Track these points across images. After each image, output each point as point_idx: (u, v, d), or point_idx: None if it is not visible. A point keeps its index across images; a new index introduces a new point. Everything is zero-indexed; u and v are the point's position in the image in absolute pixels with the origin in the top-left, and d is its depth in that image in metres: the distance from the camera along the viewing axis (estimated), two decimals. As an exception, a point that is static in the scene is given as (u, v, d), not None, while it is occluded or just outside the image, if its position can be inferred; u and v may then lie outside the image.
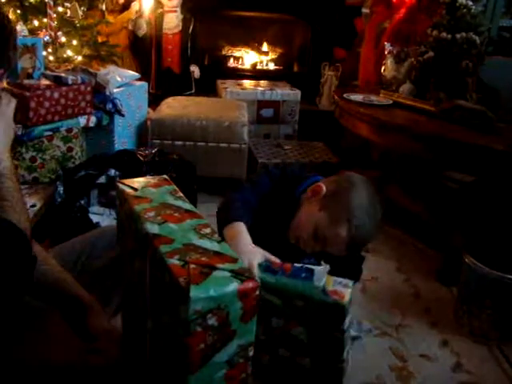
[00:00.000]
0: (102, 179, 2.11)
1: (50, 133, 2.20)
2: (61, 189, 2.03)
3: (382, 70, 2.68)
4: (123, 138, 2.74)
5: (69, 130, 2.27)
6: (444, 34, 2.35)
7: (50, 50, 2.93)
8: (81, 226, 1.95)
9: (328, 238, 1.29)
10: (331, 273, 1.21)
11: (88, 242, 1.45)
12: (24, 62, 2.34)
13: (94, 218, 2.04)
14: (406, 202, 2.45)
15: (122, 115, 2.55)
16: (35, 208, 1.98)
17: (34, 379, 0.94)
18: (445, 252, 2.11)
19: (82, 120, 2.34)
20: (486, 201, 1.99)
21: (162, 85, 3.89)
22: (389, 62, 2.61)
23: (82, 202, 2.07)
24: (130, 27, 3.68)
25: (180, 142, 2.64)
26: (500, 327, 1.71)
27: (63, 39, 2.97)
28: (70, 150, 2.27)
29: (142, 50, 3.96)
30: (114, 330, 1.11)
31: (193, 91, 3.93)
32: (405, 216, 2.45)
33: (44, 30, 2.79)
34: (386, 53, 2.63)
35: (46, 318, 1.14)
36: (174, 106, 2.87)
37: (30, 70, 2.35)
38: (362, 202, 1.28)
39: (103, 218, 2.06)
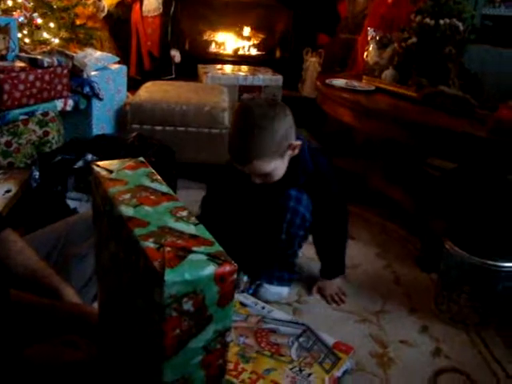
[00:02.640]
0: (80, 164, 2.06)
1: (26, 116, 2.15)
2: (36, 173, 1.98)
3: (365, 56, 2.67)
4: (102, 122, 2.69)
5: (45, 114, 2.21)
6: (427, 20, 2.34)
7: (25, 31, 2.85)
8: (57, 211, 1.91)
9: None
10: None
11: (65, 229, 1.41)
12: (-3, 43, 2.28)
13: (72, 204, 2.00)
14: (388, 189, 2.45)
15: (100, 99, 2.50)
16: (10, 193, 1.93)
17: (7, 375, 0.89)
18: (425, 238, 2.12)
19: (59, 103, 2.29)
20: (467, 187, 1.99)
21: (142, 69, 3.82)
22: (371, 47, 2.59)
23: (59, 187, 2.02)
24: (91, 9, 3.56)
25: (160, 127, 2.60)
26: (479, 312, 1.72)
27: (39, 21, 2.90)
28: (46, 134, 2.22)
29: (122, 34, 3.89)
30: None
31: (173, 76, 3.87)
32: (386, 203, 2.45)
33: (18, 11, 2.71)
34: (368, 38, 2.62)
35: None
36: (153, 91, 2.82)
37: (4, 52, 2.29)
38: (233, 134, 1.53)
39: (81, 203, 2.02)
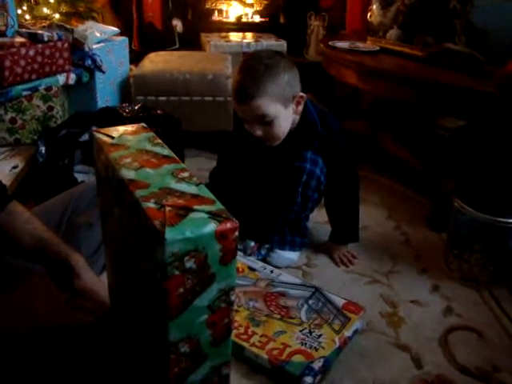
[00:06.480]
0: (85, 137, 2.06)
1: (29, 92, 2.14)
2: (42, 148, 1.98)
3: (368, 16, 2.61)
4: (106, 95, 2.67)
5: (48, 89, 2.20)
6: (431, -25, 2.28)
7: (25, 7, 2.83)
8: (65, 185, 1.91)
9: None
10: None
11: (71, 198, 1.42)
12: (-5, 20, 2.26)
13: (79, 177, 2.01)
14: (397, 150, 2.42)
15: (103, 71, 2.48)
16: (17, 169, 1.94)
17: (18, 339, 0.91)
18: (434, 198, 2.10)
19: (61, 78, 2.27)
20: (476, 144, 1.96)
21: (145, 41, 3.78)
22: (375, 7, 2.53)
23: (66, 161, 2.02)
24: None
25: (164, 98, 2.57)
26: (490, 270, 1.71)
27: (38, -4, 2.87)
28: (50, 109, 2.22)
29: (123, 6, 3.84)
30: (102, 289, 1.08)
31: (176, 46, 3.83)
32: (395, 164, 2.43)
33: (16, -14, 2.68)
34: (371, -2, 2.56)
35: (30, 277, 1.11)
36: (156, 61, 2.79)
37: (3, 28, 2.26)
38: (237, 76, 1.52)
39: (88, 176, 2.02)
